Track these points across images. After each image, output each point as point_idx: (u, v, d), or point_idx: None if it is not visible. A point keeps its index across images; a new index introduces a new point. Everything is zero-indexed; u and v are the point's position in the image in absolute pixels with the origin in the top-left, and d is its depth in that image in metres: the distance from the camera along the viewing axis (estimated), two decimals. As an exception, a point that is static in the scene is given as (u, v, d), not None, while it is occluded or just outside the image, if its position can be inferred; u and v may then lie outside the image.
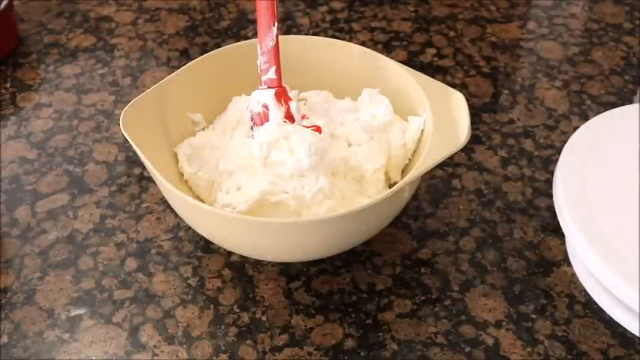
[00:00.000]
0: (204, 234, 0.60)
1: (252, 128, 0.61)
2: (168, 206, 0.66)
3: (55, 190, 0.69)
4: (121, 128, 0.57)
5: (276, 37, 0.60)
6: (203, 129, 0.65)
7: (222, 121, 0.65)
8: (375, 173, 0.60)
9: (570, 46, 0.85)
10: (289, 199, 0.57)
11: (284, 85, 0.61)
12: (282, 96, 0.60)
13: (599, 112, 0.69)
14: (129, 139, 0.57)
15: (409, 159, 0.63)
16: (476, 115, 0.75)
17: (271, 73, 0.60)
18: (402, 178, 0.61)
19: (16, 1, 0.92)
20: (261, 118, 0.60)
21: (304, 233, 0.54)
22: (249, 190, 0.58)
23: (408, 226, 0.65)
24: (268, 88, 0.60)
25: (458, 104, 0.59)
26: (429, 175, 0.69)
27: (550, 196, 0.63)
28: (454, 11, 0.89)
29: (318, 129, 0.59)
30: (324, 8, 0.90)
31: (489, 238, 0.64)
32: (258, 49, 0.60)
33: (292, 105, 0.60)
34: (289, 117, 0.60)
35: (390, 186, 0.62)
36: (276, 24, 0.59)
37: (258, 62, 0.61)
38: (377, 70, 0.66)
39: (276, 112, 0.59)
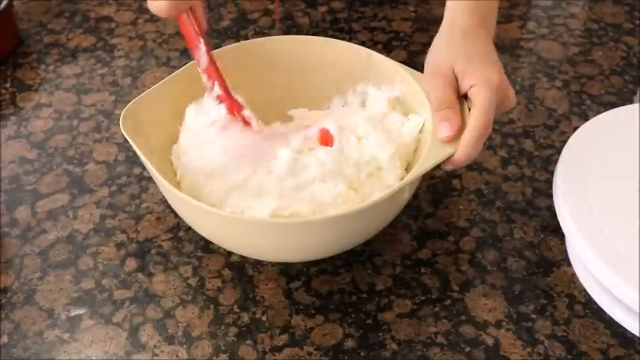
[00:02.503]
0: (204, 234, 0.60)
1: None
2: (168, 206, 0.66)
3: (55, 190, 0.69)
4: (121, 128, 0.57)
5: (208, 53, 0.59)
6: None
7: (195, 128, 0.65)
8: (391, 160, 0.60)
9: (570, 46, 0.85)
10: (301, 208, 0.57)
11: (235, 96, 0.61)
12: (234, 108, 0.61)
13: (599, 112, 0.69)
14: (128, 139, 0.57)
15: (411, 155, 0.63)
16: (476, 115, 0.75)
17: (217, 90, 0.60)
18: (406, 173, 0.61)
19: (16, 1, 0.92)
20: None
21: (304, 233, 0.54)
22: (259, 212, 0.57)
23: (408, 226, 0.65)
24: (220, 102, 0.61)
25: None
26: (429, 175, 0.69)
27: (550, 196, 0.63)
28: (454, 11, 0.89)
29: (327, 134, 0.60)
30: (324, 8, 0.90)
31: (489, 238, 0.64)
32: (198, 69, 0.60)
33: (246, 112, 0.61)
34: (247, 124, 0.61)
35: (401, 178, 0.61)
36: (202, 41, 0.59)
37: (203, 80, 0.61)
38: (377, 69, 0.66)
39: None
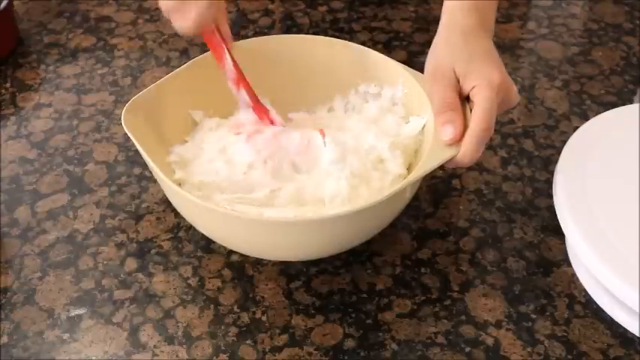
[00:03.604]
0: (204, 232, 0.60)
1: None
2: (169, 206, 0.66)
3: (55, 190, 0.69)
4: (123, 125, 0.57)
5: (234, 65, 0.62)
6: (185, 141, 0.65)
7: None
8: (391, 148, 0.60)
9: (570, 46, 0.85)
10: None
11: (261, 102, 0.64)
12: (262, 113, 0.63)
13: (599, 112, 0.69)
14: (130, 136, 0.57)
15: (412, 156, 0.63)
16: (476, 115, 0.75)
17: (244, 97, 0.63)
18: (408, 173, 0.61)
19: (16, 1, 0.92)
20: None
21: (304, 232, 0.54)
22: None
23: (408, 226, 0.65)
24: (248, 108, 0.63)
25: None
26: (429, 175, 0.68)
27: (550, 196, 0.63)
28: (454, 11, 0.89)
29: (322, 132, 0.62)
30: (324, 8, 0.90)
31: (489, 238, 0.64)
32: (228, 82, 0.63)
33: (272, 112, 0.64)
34: (272, 122, 0.63)
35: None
36: (227, 53, 0.62)
37: (230, 87, 0.63)
38: (378, 70, 0.66)
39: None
